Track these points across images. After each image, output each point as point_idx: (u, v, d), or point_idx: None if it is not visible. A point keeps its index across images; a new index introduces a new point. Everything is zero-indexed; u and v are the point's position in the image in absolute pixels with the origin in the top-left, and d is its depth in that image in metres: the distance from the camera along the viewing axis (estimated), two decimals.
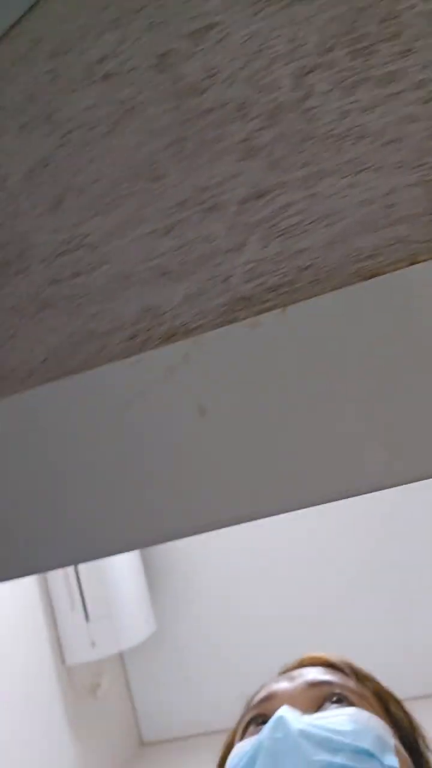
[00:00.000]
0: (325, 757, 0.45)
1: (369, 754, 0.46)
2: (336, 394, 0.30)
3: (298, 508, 0.31)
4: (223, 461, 0.32)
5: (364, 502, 1.85)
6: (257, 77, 0.34)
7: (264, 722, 0.52)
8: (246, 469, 0.32)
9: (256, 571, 2.09)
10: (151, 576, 2.21)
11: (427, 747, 0.57)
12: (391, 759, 0.47)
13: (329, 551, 2.04)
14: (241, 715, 0.61)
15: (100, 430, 0.35)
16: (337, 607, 2.00)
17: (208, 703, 2.07)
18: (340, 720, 0.49)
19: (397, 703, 0.60)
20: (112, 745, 2.06)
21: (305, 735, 0.47)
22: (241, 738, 0.56)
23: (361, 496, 0.30)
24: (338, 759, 0.45)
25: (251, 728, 0.55)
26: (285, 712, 0.50)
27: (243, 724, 0.57)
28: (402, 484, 0.30)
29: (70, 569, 1.94)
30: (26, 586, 1.86)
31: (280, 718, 0.49)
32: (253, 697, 0.62)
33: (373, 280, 0.29)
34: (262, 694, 0.58)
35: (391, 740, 0.50)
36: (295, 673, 0.59)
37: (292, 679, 0.58)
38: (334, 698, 0.54)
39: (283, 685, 0.58)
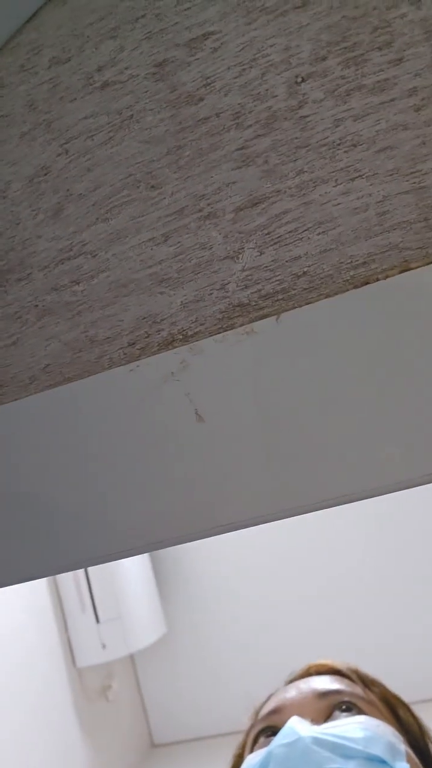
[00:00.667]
0: (337, 764, 0.45)
1: (381, 761, 0.46)
2: (330, 399, 0.30)
3: (294, 515, 0.31)
4: (221, 466, 0.32)
5: (371, 505, 1.84)
6: (252, 86, 0.34)
7: (274, 734, 0.52)
8: (243, 474, 0.32)
9: (266, 573, 2.09)
10: (161, 578, 2.22)
11: None
12: (403, 765, 0.47)
13: (337, 555, 2.04)
14: (250, 726, 0.61)
15: (100, 437, 0.35)
16: (345, 611, 1.99)
17: (219, 704, 2.07)
18: (351, 728, 0.49)
19: (406, 707, 0.60)
20: (123, 747, 2.06)
21: (317, 742, 0.47)
22: (251, 750, 0.56)
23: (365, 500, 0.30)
24: (351, 765, 0.45)
25: (261, 740, 0.55)
26: (295, 722, 0.49)
27: (252, 737, 0.57)
28: (399, 490, 0.30)
29: (81, 572, 1.95)
30: (37, 589, 1.87)
31: (290, 728, 0.49)
32: (260, 707, 0.61)
33: (366, 287, 0.29)
34: (271, 705, 0.58)
35: (402, 746, 0.50)
36: (302, 682, 0.59)
37: (299, 689, 0.58)
38: (343, 707, 0.53)
39: (291, 695, 0.57)
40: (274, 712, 0.56)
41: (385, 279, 0.29)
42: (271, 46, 0.34)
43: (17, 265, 0.40)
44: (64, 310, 0.38)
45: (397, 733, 0.52)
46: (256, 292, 0.33)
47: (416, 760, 0.52)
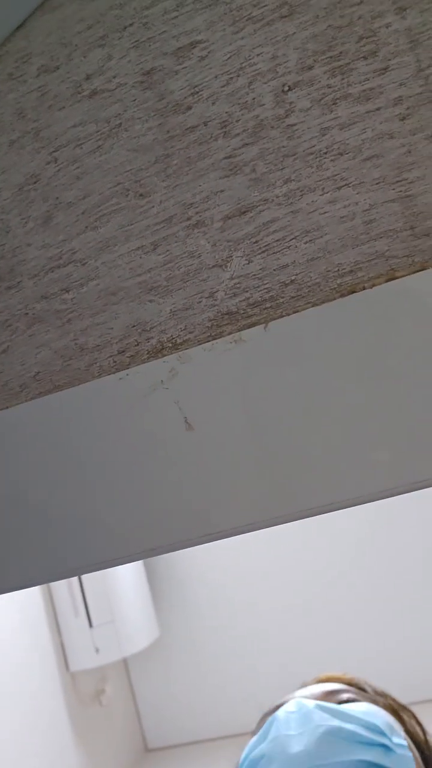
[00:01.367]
0: (336, 723, 0.47)
1: (379, 731, 0.48)
2: (318, 407, 0.30)
3: (284, 522, 0.32)
4: (210, 474, 0.32)
5: (365, 510, 1.85)
6: (240, 94, 0.34)
7: None
8: (233, 482, 0.32)
9: (259, 577, 2.09)
10: (155, 582, 2.22)
11: None
12: (400, 740, 0.48)
13: (331, 559, 2.04)
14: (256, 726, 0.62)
15: (90, 445, 0.35)
16: (338, 615, 2.00)
17: (212, 708, 2.07)
18: (354, 706, 0.52)
19: (411, 715, 0.60)
20: (116, 751, 2.06)
21: (320, 707, 0.50)
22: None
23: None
24: (349, 726, 0.47)
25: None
26: (299, 698, 0.52)
27: (257, 730, 0.58)
28: (388, 497, 0.30)
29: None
30: (30, 593, 1.87)
31: (294, 699, 0.52)
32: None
33: (352, 296, 0.29)
34: (277, 703, 0.60)
35: (402, 732, 0.51)
36: (312, 687, 0.61)
37: (308, 690, 0.60)
38: (348, 701, 0.55)
39: (299, 692, 0.60)
40: (282, 704, 0.58)
41: (371, 288, 0.29)
42: (258, 55, 0.34)
43: (7, 273, 0.40)
44: (54, 318, 0.38)
45: (400, 726, 0.53)
46: (244, 300, 0.33)
47: (420, 760, 0.53)
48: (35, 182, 0.40)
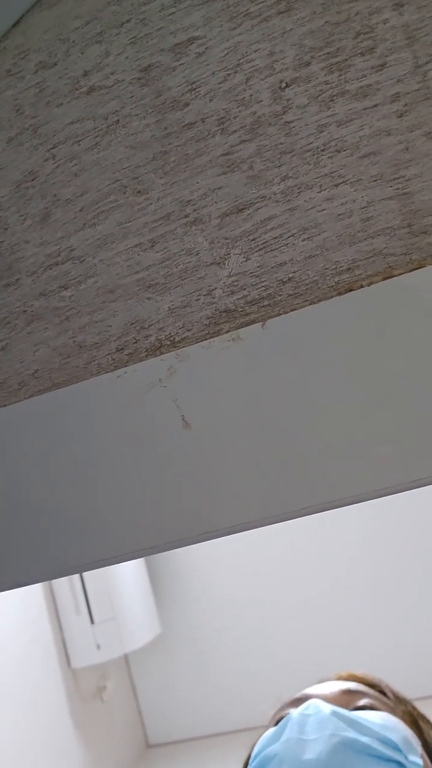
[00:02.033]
0: (351, 734, 0.47)
1: (395, 746, 0.47)
2: (316, 405, 0.30)
3: (283, 520, 0.32)
4: (208, 472, 0.32)
5: (368, 506, 1.85)
6: (237, 91, 0.34)
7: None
8: (231, 480, 0.32)
9: (261, 573, 2.10)
10: (156, 578, 2.22)
11: None
12: (416, 758, 0.48)
13: (333, 556, 2.04)
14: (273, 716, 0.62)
15: (89, 443, 0.35)
16: (340, 612, 2.00)
17: (214, 705, 2.07)
18: (371, 715, 0.51)
19: (430, 725, 0.60)
20: (118, 748, 2.06)
21: (336, 714, 0.49)
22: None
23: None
24: (364, 739, 0.47)
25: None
26: (318, 701, 0.52)
27: (274, 721, 0.58)
28: (387, 494, 0.30)
29: None
30: (31, 590, 1.87)
31: (311, 701, 0.51)
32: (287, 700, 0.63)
33: (349, 294, 0.29)
34: (298, 695, 0.60)
35: (419, 748, 0.51)
36: (331, 682, 0.61)
37: (327, 685, 0.60)
38: (365, 707, 0.54)
39: (317, 688, 0.59)
40: (298, 700, 0.58)
41: (369, 285, 0.29)
42: (256, 51, 0.34)
43: (5, 271, 0.40)
44: (52, 315, 0.38)
45: (417, 739, 0.52)
46: (242, 297, 0.33)
47: None
48: (33, 179, 0.40)
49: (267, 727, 0.61)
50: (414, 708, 0.61)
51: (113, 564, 0.33)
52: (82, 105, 0.39)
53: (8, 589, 0.36)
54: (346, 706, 0.54)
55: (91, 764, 1.86)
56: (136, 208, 0.37)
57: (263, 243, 0.33)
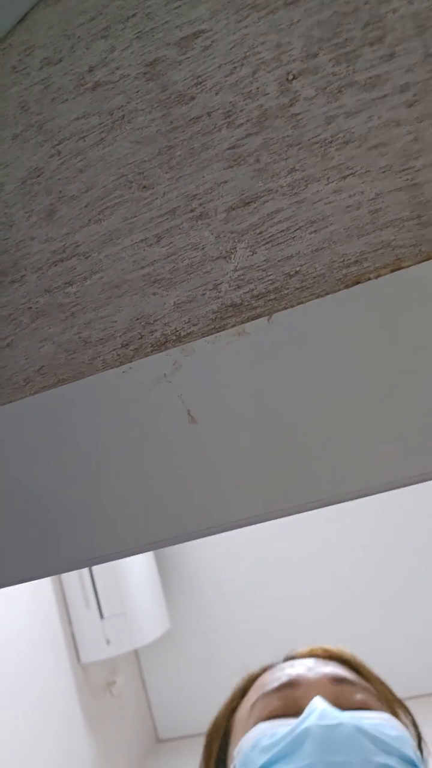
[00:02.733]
0: (382, 759, 0.45)
1: (413, 764, 0.46)
2: (323, 400, 0.30)
3: (289, 514, 0.31)
4: (214, 467, 0.32)
5: (375, 502, 1.84)
6: (243, 84, 0.34)
7: (290, 709, 0.52)
8: (237, 474, 0.32)
9: (270, 568, 2.10)
10: (165, 573, 2.22)
11: (428, 752, 0.57)
12: None
13: (343, 549, 2.04)
14: (241, 688, 0.59)
15: (94, 439, 0.35)
16: (352, 605, 2.00)
17: (223, 699, 2.08)
18: (383, 724, 0.49)
19: (405, 709, 0.60)
20: (128, 743, 2.07)
21: (360, 731, 0.46)
22: (257, 722, 0.54)
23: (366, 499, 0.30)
24: (392, 762, 0.45)
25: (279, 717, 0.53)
26: (323, 702, 0.49)
27: (262, 709, 0.55)
28: (393, 488, 0.30)
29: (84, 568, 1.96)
30: (40, 584, 1.88)
31: (321, 706, 0.48)
32: (257, 675, 0.60)
33: (357, 286, 0.29)
34: (282, 677, 0.56)
35: (419, 752, 0.50)
36: (310, 662, 0.58)
37: (309, 668, 0.56)
38: (363, 706, 0.53)
39: (301, 672, 0.56)
40: (289, 685, 0.55)
41: (377, 278, 0.29)
42: (262, 43, 0.33)
43: (11, 267, 0.40)
44: (57, 311, 0.38)
45: (411, 737, 0.52)
46: (248, 291, 0.33)
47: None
48: (38, 176, 0.40)
49: (235, 707, 0.58)
50: (391, 692, 0.60)
51: (119, 558, 0.33)
52: (88, 101, 0.39)
53: (15, 584, 0.36)
54: (340, 699, 0.52)
55: (101, 759, 1.87)
56: (141, 203, 0.36)
57: (270, 236, 0.33)
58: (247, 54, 0.34)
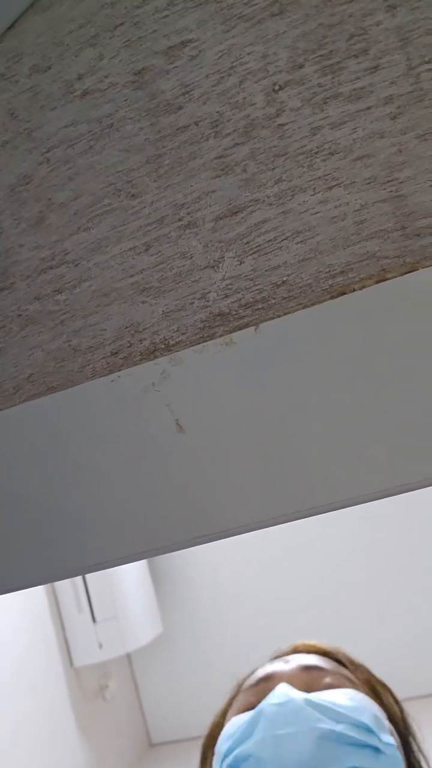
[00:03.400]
0: (327, 725, 0.46)
1: (368, 729, 0.47)
2: (308, 410, 0.30)
3: (277, 524, 0.32)
4: (202, 477, 0.32)
5: (368, 505, 1.85)
6: (230, 94, 0.34)
7: (261, 700, 0.53)
8: (225, 484, 0.32)
9: (262, 572, 2.10)
10: (158, 577, 2.22)
11: (414, 734, 0.58)
12: (388, 738, 0.48)
13: (335, 553, 2.04)
14: (231, 696, 0.61)
15: (83, 448, 0.35)
16: (345, 608, 2.00)
17: (216, 703, 2.07)
18: (340, 696, 0.51)
19: (388, 690, 0.60)
20: (120, 747, 2.07)
21: (309, 703, 0.48)
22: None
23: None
24: (340, 728, 0.46)
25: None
26: (285, 687, 0.51)
27: (240, 706, 0.57)
28: (383, 497, 0.30)
29: None
30: (33, 589, 1.87)
31: (282, 691, 0.50)
32: (243, 680, 0.62)
33: (342, 297, 0.29)
34: (260, 674, 0.59)
35: (386, 722, 0.51)
36: (290, 657, 0.60)
37: (287, 662, 0.59)
38: (331, 686, 0.54)
39: (278, 666, 0.58)
40: (264, 679, 0.57)
41: (361, 289, 0.29)
42: (249, 53, 0.34)
43: (0, 275, 0.40)
44: (47, 319, 0.38)
45: (381, 710, 0.53)
46: (236, 301, 0.33)
47: (397, 738, 0.53)
48: (27, 183, 0.40)
49: (225, 711, 0.60)
50: (371, 674, 0.61)
51: (108, 568, 0.33)
52: (76, 108, 0.39)
53: (6, 593, 0.36)
54: (310, 685, 0.54)
55: (93, 763, 1.87)
56: (130, 211, 0.36)
57: (257, 246, 0.33)
58: (234, 64, 0.34)
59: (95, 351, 0.37)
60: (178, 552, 2.01)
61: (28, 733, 1.62)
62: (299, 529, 2.02)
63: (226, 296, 0.33)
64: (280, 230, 0.32)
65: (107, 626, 1.95)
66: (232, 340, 0.32)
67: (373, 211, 0.30)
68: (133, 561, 0.33)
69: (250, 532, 0.32)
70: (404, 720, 0.59)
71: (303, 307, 0.31)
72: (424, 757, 0.58)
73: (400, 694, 0.61)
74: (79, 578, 1.96)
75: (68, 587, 1.96)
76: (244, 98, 0.34)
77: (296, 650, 0.63)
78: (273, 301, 0.32)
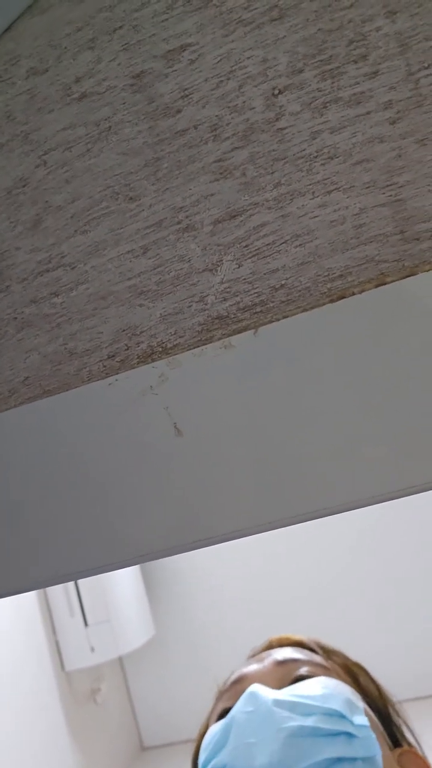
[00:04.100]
0: (296, 722, 0.46)
1: (340, 715, 0.47)
2: (307, 413, 0.30)
3: (276, 528, 0.31)
4: (200, 480, 0.32)
5: (368, 511, 1.85)
6: (230, 98, 0.34)
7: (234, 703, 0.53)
8: (223, 487, 0.32)
9: (255, 574, 2.10)
10: (150, 580, 2.22)
11: (397, 713, 0.58)
12: (361, 719, 0.48)
13: (330, 555, 2.04)
14: (214, 705, 0.62)
15: (80, 451, 0.35)
16: (338, 610, 2.00)
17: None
18: (310, 687, 0.51)
19: (366, 673, 0.61)
20: (113, 751, 2.06)
21: (277, 704, 0.48)
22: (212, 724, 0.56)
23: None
24: (310, 722, 0.46)
25: (224, 717, 0.55)
26: (256, 688, 0.50)
27: (216, 713, 0.58)
28: (382, 501, 0.30)
29: None
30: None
31: (251, 693, 0.50)
32: (223, 686, 0.62)
33: (341, 301, 0.29)
34: (233, 677, 0.59)
35: (360, 703, 0.51)
36: (264, 654, 0.60)
37: (261, 660, 0.59)
38: (304, 678, 0.54)
39: (252, 667, 0.58)
40: (236, 682, 0.57)
41: (361, 293, 0.29)
42: (249, 58, 0.34)
43: None
44: (43, 322, 0.38)
45: (355, 692, 0.53)
46: (234, 304, 0.33)
47: (376, 720, 0.53)
48: (24, 186, 0.40)
49: (209, 720, 0.60)
50: (346, 658, 0.61)
51: (106, 572, 0.33)
52: (74, 111, 0.39)
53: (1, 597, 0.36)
54: (284, 679, 0.54)
55: (85, 767, 1.86)
56: (128, 214, 0.36)
57: (256, 250, 0.33)
58: (234, 68, 0.34)
59: (92, 354, 0.37)
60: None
61: (19, 738, 1.61)
62: (295, 530, 2.02)
63: (225, 299, 0.33)
64: (279, 234, 0.32)
65: (99, 630, 1.94)
66: (230, 343, 0.32)
67: (372, 215, 0.30)
68: (130, 565, 0.33)
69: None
70: (381, 694, 0.59)
71: (302, 311, 0.31)
72: (403, 721, 0.58)
73: (400, 696, 0.61)
74: (71, 582, 1.95)
75: (60, 590, 1.95)
76: (244, 102, 0.34)
77: (270, 645, 0.64)
78: (272, 305, 0.32)
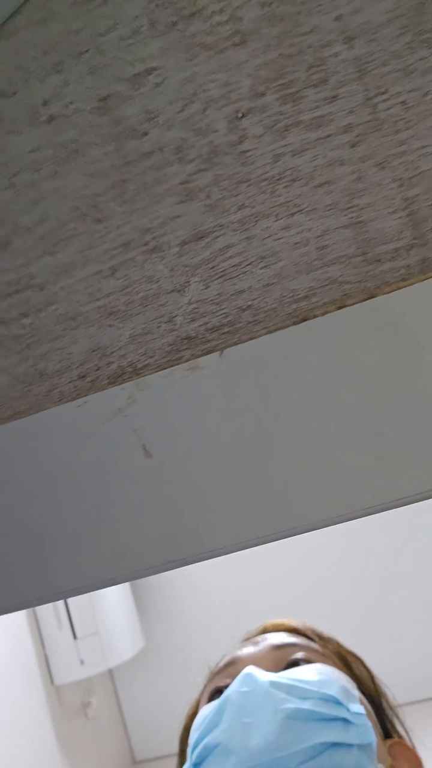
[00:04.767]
0: (293, 704, 0.46)
1: (336, 701, 0.47)
2: (271, 434, 0.30)
3: (248, 547, 0.32)
4: (169, 501, 0.32)
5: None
6: (194, 120, 0.34)
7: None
8: (192, 508, 0.32)
9: (245, 585, 2.09)
10: (139, 592, 2.21)
11: (389, 704, 0.58)
12: (357, 707, 0.48)
13: (321, 564, 2.04)
14: (205, 685, 0.61)
15: (51, 473, 0.35)
16: (331, 620, 2.00)
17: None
18: (306, 672, 0.50)
19: (359, 661, 0.61)
20: (104, 764, 2.04)
21: (274, 685, 0.48)
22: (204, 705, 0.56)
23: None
24: (306, 705, 0.46)
25: (216, 696, 0.55)
26: (251, 669, 0.50)
27: (207, 694, 0.57)
28: (336, 523, 0.30)
29: None
30: None
31: (247, 674, 0.49)
32: (215, 668, 0.62)
33: (304, 323, 0.30)
34: (227, 659, 0.59)
35: (356, 691, 0.51)
36: (259, 638, 0.60)
37: (256, 643, 0.59)
38: (299, 662, 0.54)
39: (247, 650, 0.58)
40: (230, 664, 0.57)
41: (323, 315, 0.30)
42: (212, 81, 0.34)
43: None
44: (12, 343, 0.38)
45: (350, 680, 0.53)
46: (202, 325, 0.33)
47: (369, 707, 0.54)
48: None
49: (200, 700, 0.60)
50: (340, 646, 0.61)
51: (76, 595, 0.33)
52: (42, 133, 0.39)
53: None
54: (280, 663, 0.54)
55: None
56: (95, 235, 0.37)
57: (222, 271, 0.33)
58: (197, 91, 0.34)
59: (62, 375, 0.37)
60: None
61: (8, 753, 1.59)
62: (285, 542, 2.02)
63: (193, 320, 0.34)
64: (245, 255, 0.32)
65: (88, 642, 1.93)
66: (198, 365, 0.32)
67: (335, 236, 0.31)
68: (104, 587, 0.33)
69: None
70: (375, 685, 0.59)
71: (267, 332, 0.31)
72: (395, 713, 0.58)
73: (399, 699, 0.61)
74: None
75: (48, 604, 1.94)
76: (207, 125, 0.34)
77: (265, 630, 0.64)
78: (239, 325, 0.32)
